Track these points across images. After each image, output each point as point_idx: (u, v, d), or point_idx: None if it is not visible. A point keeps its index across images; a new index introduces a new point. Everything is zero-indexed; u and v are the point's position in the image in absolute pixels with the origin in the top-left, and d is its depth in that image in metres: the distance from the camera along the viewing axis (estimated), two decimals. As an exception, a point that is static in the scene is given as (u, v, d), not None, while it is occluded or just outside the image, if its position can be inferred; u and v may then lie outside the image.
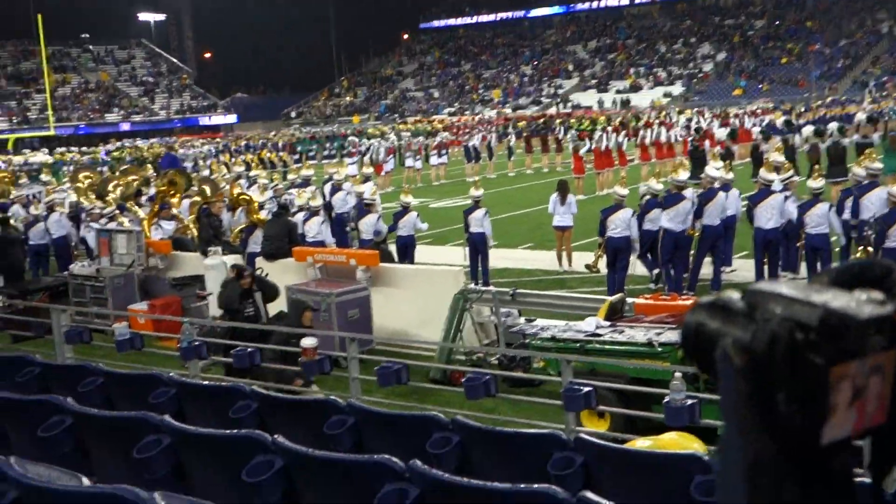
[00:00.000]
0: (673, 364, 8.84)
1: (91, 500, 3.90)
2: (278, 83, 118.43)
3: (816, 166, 18.26)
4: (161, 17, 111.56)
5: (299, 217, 17.45)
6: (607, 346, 9.71)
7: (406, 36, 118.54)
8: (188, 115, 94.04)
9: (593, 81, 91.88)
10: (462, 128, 62.64)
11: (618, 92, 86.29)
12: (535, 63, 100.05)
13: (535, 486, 4.42)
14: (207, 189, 19.75)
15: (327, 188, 22.99)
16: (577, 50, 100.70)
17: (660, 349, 9.29)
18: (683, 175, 16.42)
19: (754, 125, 42.46)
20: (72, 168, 44.20)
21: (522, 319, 12.09)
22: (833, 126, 34.15)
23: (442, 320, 12.17)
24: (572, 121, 58.03)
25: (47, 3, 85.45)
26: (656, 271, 16.04)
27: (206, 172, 34.53)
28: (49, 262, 20.42)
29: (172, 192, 19.81)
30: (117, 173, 25.24)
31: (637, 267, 16.36)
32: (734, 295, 1.16)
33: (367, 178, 23.60)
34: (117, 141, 71.34)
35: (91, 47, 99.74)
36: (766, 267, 15.59)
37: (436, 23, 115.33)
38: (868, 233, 14.39)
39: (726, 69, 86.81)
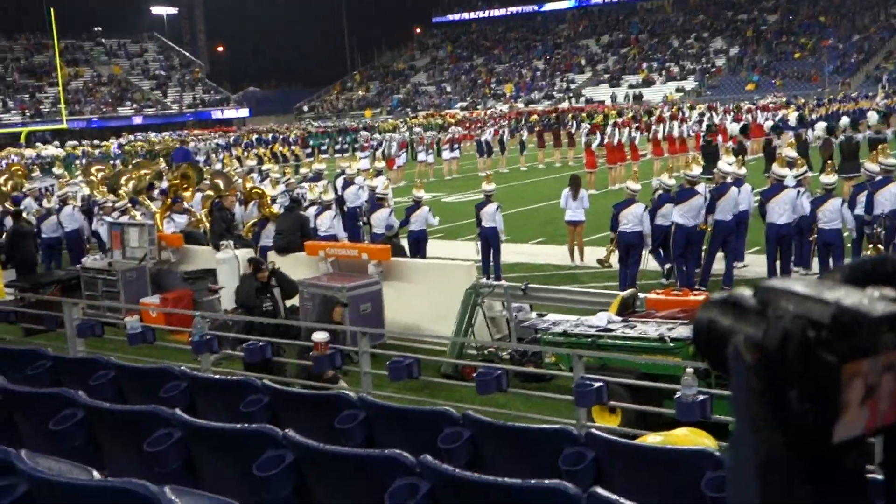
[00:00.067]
0: (684, 359, 8.82)
1: (102, 494, 3.91)
2: (290, 77, 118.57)
3: (829, 161, 18.23)
4: (173, 10, 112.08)
5: (311, 211, 17.45)
6: (619, 342, 9.67)
7: (418, 30, 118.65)
8: (200, 108, 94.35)
9: (606, 76, 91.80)
10: (474, 122, 62.55)
11: (630, 86, 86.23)
12: (548, 57, 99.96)
13: (546, 481, 4.41)
14: (220, 183, 19.78)
15: (339, 182, 23.02)
16: (589, 44, 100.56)
17: (671, 344, 9.26)
18: (696, 170, 16.42)
19: (767, 120, 42.35)
20: (84, 161, 44.34)
21: (534, 314, 12.09)
22: (845, 121, 34.05)
23: (454, 315, 12.17)
24: (583, 115, 57.92)
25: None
26: (668, 266, 16.02)
27: (218, 166, 34.61)
28: (61, 256, 20.53)
29: (185, 186, 19.85)
30: (130, 167, 25.28)
31: (649, 262, 16.35)
32: (746, 292, 1.16)
33: (379, 173, 23.57)
34: (129, 134, 71.54)
35: (104, 41, 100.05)
36: (778, 262, 15.56)
37: (448, 17, 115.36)
38: (877, 229, 14.35)
39: (739, 64, 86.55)
